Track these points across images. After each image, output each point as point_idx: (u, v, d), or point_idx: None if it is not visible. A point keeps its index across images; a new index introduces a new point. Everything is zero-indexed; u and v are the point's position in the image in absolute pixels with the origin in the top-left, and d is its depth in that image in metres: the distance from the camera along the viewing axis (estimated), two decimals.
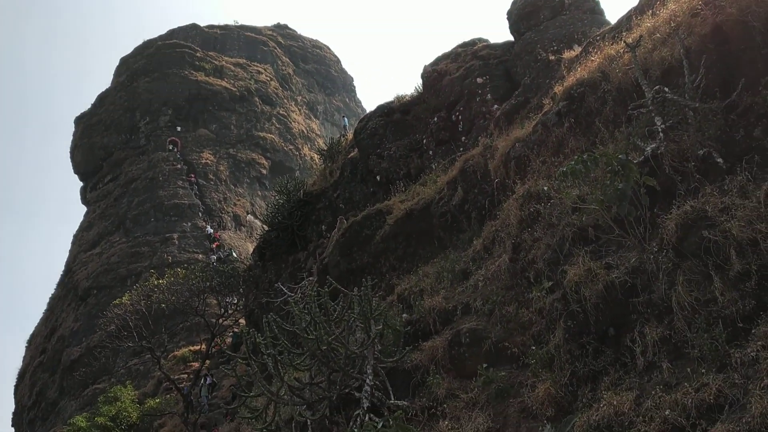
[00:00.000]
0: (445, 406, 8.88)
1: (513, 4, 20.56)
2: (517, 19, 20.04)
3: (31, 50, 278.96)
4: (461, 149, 18.52)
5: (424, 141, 20.91)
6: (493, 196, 13.11)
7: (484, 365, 9.06)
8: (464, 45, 22.66)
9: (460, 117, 20.00)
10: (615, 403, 6.50)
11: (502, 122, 15.97)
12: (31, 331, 61.72)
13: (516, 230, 10.43)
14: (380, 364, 10.37)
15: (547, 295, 8.71)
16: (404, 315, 11.63)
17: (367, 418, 9.34)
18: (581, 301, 7.81)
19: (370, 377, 10.08)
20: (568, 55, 15.31)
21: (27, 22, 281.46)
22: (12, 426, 56.15)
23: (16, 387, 57.58)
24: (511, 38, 20.70)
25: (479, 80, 19.77)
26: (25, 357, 59.21)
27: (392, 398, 9.83)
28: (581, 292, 7.81)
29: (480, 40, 22.65)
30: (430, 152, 20.49)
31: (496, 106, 18.69)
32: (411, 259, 15.44)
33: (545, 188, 9.53)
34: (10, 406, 57.36)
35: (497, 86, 19.37)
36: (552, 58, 16.49)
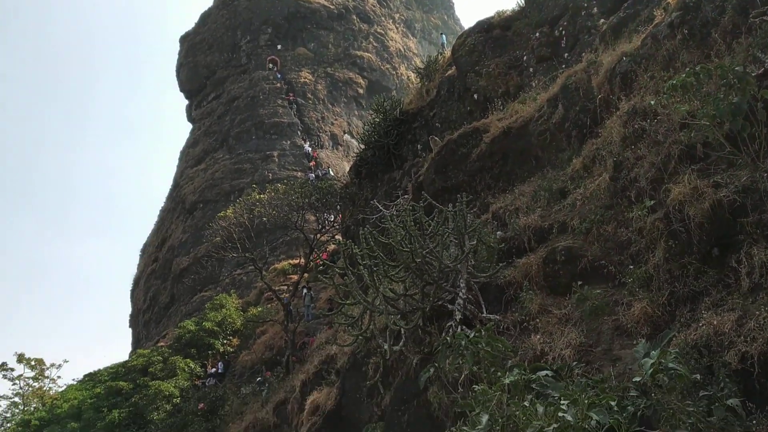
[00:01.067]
0: (537, 321, 8.94)
1: None
2: None
3: None
4: (563, 66, 17.85)
5: (525, 58, 20.27)
6: (595, 114, 12.67)
7: (579, 283, 9.01)
8: None
9: (563, 32, 19.18)
10: (715, 323, 6.36)
11: (609, 37, 15.20)
12: (144, 241, 65.96)
13: (618, 148, 10.08)
14: (473, 279, 10.50)
15: (648, 214, 8.46)
16: (498, 232, 11.62)
17: (459, 329, 9.56)
18: (684, 221, 7.57)
19: (463, 291, 10.25)
20: None
21: None
22: (129, 327, 61.01)
23: (132, 292, 62.13)
24: None
25: None
26: (139, 265, 63.50)
27: (484, 312, 9.99)
28: (685, 212, 7.55)
29: None
30: (531, 69, 19.87)
31: (602, 20, 17.77)
32: (507, 177, 15.27)
33: (652, 103, 9.10)
34: (128, 309, 62.10)
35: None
36: None
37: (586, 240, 9.72)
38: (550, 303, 9.25)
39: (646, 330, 7.52)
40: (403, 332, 10.83)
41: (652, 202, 8.49)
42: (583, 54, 16.31)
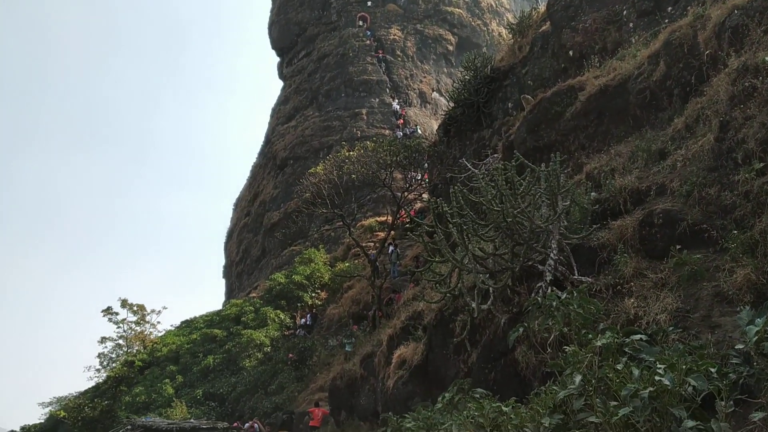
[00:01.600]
0: (631, 284, 8.73)
1: None
2: None
3: None
4: (666, 21, 16.98)
5: (624, 12, 19.40)
6: (700, 71, 12.04)
7: (678, 247, 8.71)
8: None
9: None
10: None
11: None
12: (237, 195, 68.22)
13: (725, 107, 9.58)
14: (565, 240, 10.34)
15: (756, 177, 8.06)
16: (593, 193, 11.34)
17: (549, 290, 9.48)
18: None
19: (554, 252, 10.13)
20: None
21: None
22: (223, 277, 63.66)
23: (226, 244, 64.63)
24: None
25: None
26: (232, 218, 65.87)
27: (576, 274, 9.84)
28: None
29: None
30: (630, 24, 19.01)
31: None
32: (602, 137, 14.82)
33: (766, 59, 8.56)
34: (222, 260, 64.70)
35: None
36: None
37: (686, 203, 9.35)
38: (646, 266, 9.00)
39: (749, 298, 7.23)
40: (491, 291, 10.84)
41: (762, 165, 8.07)
42: (689, 7, 15.45)
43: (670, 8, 17.98)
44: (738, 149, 8.80)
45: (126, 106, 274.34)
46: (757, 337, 5.05)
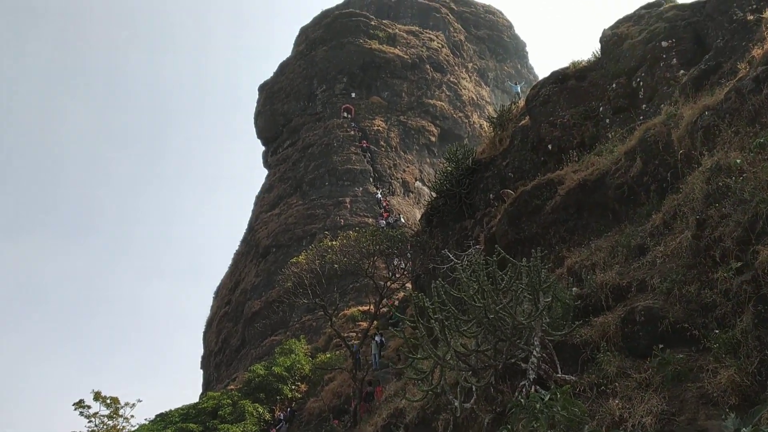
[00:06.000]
0: (615, 384, 8.59)
1: None
2: None
3: (217, 29, 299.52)
4: (641, 118, 17.52)
5: (601, 109, 20.02)
6: (676, 168, 12.32)
7: (660, 346, 8.63)
8: (648, 6, 21.30)
9: (641, 83, 18.91)
10: None
11: (689, 89, 14.87)
12: (218, 284, 67.53)
13: (701, 205, 9.73)
14: (548, 337, 10.23)
15: (734, 276, 8.09)
16: (574, 289, 11.33)
17: (532, 389, 9.29)
18: None
19: (537, 349, 9.99)
20: None
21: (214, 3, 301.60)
22: (201, 368, 62.14)
23: (205, 333, 63.46)
24: None
25: (664, 44, 18.53)
26: (212, 307, 64.98)
27: (559, 372, 9.68)
28: None
29: (666, 0, 21.12)
30: (607, 120, 19.59)
31: (682, 71, 17.45)
32: (582, 231, 14.96)
33: (738, 161, 8.77)
34: (200, 350, 63.33)
35: (684, 50, 18.05)
36: (750, 17, 15.02)
37: (667, 300, 9.35)
38: (629, 365, 8.89)
39: (734, 400, 7.11)
40: (474, 389, 10.61)
41: (739, 264, 8.12)
42: (662, 106, 16.00)
43: (644, 105, 18.61)
44: (715, 247, 8.88)
45: (108, 194, 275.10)
46: None
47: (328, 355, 39.25)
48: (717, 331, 8.02)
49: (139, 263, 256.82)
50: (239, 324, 53.82)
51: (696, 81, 15.07)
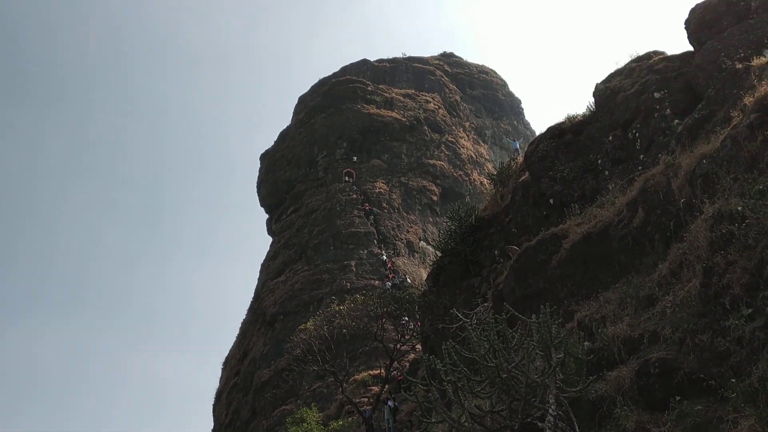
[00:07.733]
0: None
1: (691, 12, 19.41)
2: (696, 27, 18.89)
3: (204, 100, 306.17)
4: (639, 168, 17.69)
5: (599, 161, 20.23)
6: (678, 217, 12.39)
7: (677, 398, 8.52)
8: (638, 59, 21.72)
9: (637, 135, 19.15)
10: None
11: (685, 138, 15.09)
12: (226, 354, 66.76)
13: (706, 253, 9.76)
14: (563, 394, 10.10)
15: (746, 323, 8.06)
16: (586, 343, 11.25)
17: None
18: None
19: (552, 407, 9.86)
20: (757, 62, 14.19)
21: (199, 69, 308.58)
22: None
23: (214, 406, 62.34)
24: (690, 48, 19.54)
25: (657, 95, 18.86)
26: (221, 378, 64.03)
27: (577, 429, 9.53)
28: None
29: (656, 53, 21.57)
30: (606, 172, 19.76)
31: (676, 120, 17.71)
32: (590, 284, 14.91)
33: (739, 208, 8.85)
34: (210, 423, 62.16)
35: (677, 100, 18.36)
36: (739, 66, 15.35)
37: (680, 351, 9.27)
38: (647, 419, 8.75)
39: None
40: None
41: (750, 311, 8.10)
42: (660, 155, 16.17)
43: (642, 156, 18.80)
44: (725, 294, 8.87)
45: (104, 267, 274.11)
46: None
47: (341, 423, 38.48)
48: (734, 380, 7.94)
49: (157, 339, 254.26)
50: (249, 395, 52.99)
51: (691, 130, 15.31)
